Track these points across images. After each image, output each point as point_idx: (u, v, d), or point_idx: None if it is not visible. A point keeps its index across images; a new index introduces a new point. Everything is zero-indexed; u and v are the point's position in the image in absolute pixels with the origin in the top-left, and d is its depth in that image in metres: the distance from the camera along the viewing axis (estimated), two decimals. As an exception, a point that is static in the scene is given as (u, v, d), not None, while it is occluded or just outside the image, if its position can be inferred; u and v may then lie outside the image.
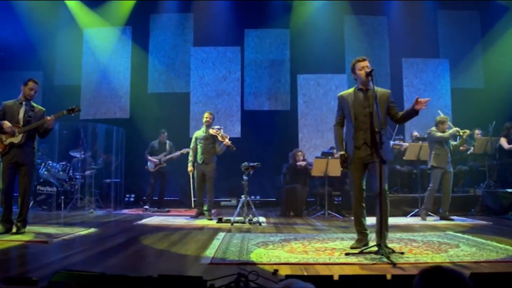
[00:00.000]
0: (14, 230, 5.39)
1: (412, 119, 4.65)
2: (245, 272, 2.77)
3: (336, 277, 2.74)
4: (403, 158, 8.41)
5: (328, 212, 7.85)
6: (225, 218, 7.14)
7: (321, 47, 10.49)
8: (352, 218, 7.62)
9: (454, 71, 10.68)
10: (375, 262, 3.91)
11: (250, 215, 6.99)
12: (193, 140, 7.80)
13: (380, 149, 4.30)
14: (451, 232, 5.85)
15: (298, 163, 8.43)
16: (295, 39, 10.85)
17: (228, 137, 7.50)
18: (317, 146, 10.33)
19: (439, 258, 4.09)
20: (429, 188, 7.52)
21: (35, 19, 10.32)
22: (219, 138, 7.47)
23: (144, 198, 9.62)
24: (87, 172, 9.12)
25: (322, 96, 10.64)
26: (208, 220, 7.34)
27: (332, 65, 10.64)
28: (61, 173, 9.01)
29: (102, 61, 10.94)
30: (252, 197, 7.22)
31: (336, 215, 8.01)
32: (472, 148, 8.86)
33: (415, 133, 9.29)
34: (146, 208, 8.92)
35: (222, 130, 7.64)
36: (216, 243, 4.91)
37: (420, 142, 8.15)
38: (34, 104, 5.64)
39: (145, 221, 7.25)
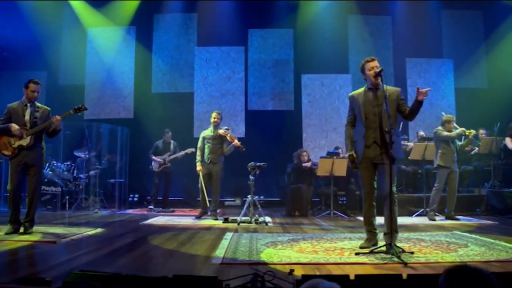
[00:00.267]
0: (21, 230, 5.39)
1: (418, 113, 4.58)
2: (260, 272, 2.77)
3: (352, 277, 2.73)
4: (408, 158, 8.41)
5: (333, 212, 7.84)
6: (231, 218, 7.13)
7: (325, 47, 10.49)
8: (358, 218, 7.76)
9: (457, 71, 10.69)
10: (386, 261, 3.91)
11: (256, 215, 6.98)
12: (200, 139, 7.74)
13: (390, 149, 4.31)
14: (458, 232, 5.84)
15: (303, 164, 8.41)
16: (299, 39, 10.85)
17: (237, 138, 7.51)
18: (321, 146, 10.34)
19: (449, 258, 4.09)
20: (434, 188, 7.51)
21: (39, 19, 10.30)
22: (228, 139, 7.46)
23: (149, 198, 9.61)
24: (92, 172, 9.12)
25: (326, 96, 10.64)
26: (213, 220, 7.32)
27: (336, 65, 10.65)
28: (65, 173, 9.00)
29: (106, 61, 10.95)
30: (256, 197, 7.19)
31: (342, 215, 7.99)
32: (477, 148, 8.86)
33: (421, 133, 9.29)
34: (150, 208, 8.91)
35: (230, 131, 7.64)
36: (224, 243, 4.90)
37: (426, 142, 8.14)
38: (39, 105, 5.61)
39: (151, 221, 7.25)
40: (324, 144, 10.38)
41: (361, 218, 7.50)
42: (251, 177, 7.07)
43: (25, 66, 10.46)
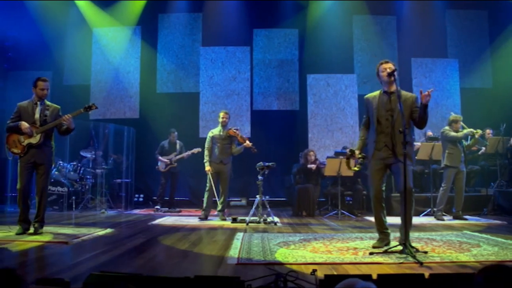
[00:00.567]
0: (31, 230, 5.37)
1: (427, 119, 4.56)
2: (283, 273, 2.76)
3: (374, 276, 2.73)
4: (415, 157, 8.38)
5: (341, 212, 7.83)
6: (239, 218, 7.12)
7: (330, 47, 10.51)
8: (365, 217, 7.75)
9: (463, 71, 10.69)
10: (401, 261, 3.90)
11: (265, 215, 6.97)
12: (208, 139, 7.59)
13: (405, 149, 4.31)
14: (468, 232, 5.84)
15: (309, 166, 8.40)
16: (304, 39, 10.85)
17: (248, 139, 7.49)
18: (327, 146, 10.34)
19: (464, 258, 4.08)
20: (442, 188, 7.50)
21: (44, 19, 10.32)
22: (239, 139, 7.43)
23: (155, 198, 9.60)
24: (98, 172, 9.10)
25: (331, 96, 10.64)
26: (221, 220, 7.31)
27: (341, 65, 10.66)
28: (72, 173, 8.99)
29: (111, 60, 10.94)
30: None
31: (349, 215, 7.98)
32: (484, 148, 8.85)
33: (429, 133, 9.28)
34: (157, 208, 8.90)
35: (239, 131, 7.61)
36: (237, 243, 4.89)
37: (434, 142, 8.14)
38: (49, 103, 5.60)
39: (159, 221, 7.24)
40: (329, 144, 10.38)
41: (369, 218, 7.63)
42: (259, 177, 7.06)
43: (30, 66, 10.46)
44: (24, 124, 5.28)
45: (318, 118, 10.61)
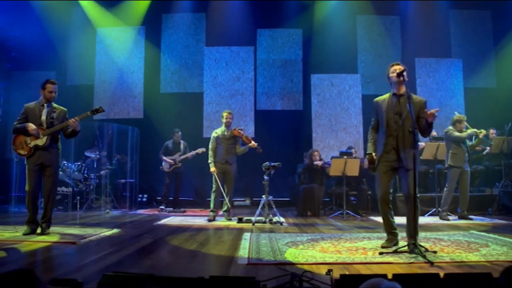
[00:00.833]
0: (38, 231, 5.37)
1: (431, 131, 4.71)
2: (298, 273, 2.75)
3: (390, 276, 2.73)
4: (420, 157, 8.38)
5: (346, 212, 7.82)
6: (245, 218, 7.11)
7: (334, 47, 10.50)
8: (370, 217, 7.75)
9: (466, 71, 10.69)
10: (411, 261, 3.91)
11: (271, 215, 6.96)
12: (212, 140, 7.51)
13: (414, 149, 4.33)
14: (475, 232, 5.84)
15: (315, 163, 8.40)
16: (308, 39, 10.85)
17: (253, 139, 7.48)
18: (331, 146, 10.34)
19: (474, 257, 4.08)
20: (446, 188, 7.50)
21: (48, 19, 10.32)
22: (244, 139, 7.41)
23: (159, 198, 9.59)
24: (102, 172, 9.09)
25: (336, 96, 10.63)
26: (227, 220, 7.30)
27: (345, 65, 10.66)
28: (76, 173, 8.98)
29: (115, 60, 10.94)
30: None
31: (354, 215, 7.98)
32: (488, 148, 8.84)
33: (434, 133, 9.25)
34: (161, 209, 8.89)
35: (244, 131, 7.60)
36: (245, 243, 4.89)
37: (438, 142, 8.13)
38: (56, 105, 5.60)
39: (164, 221, 7.24)
40: (333, 144, 10.38)
41: (374, 218, 7.63)
42: (265, 177, 7.05)
43: (34, 66, 10.47)
44: (31, 126, 5.27)
45: (322, 118, 10.60)
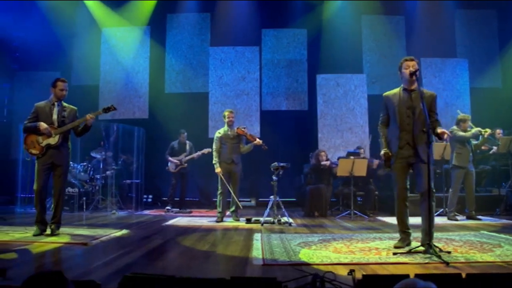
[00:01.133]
0: (48, 231, 5.34)
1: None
2: (320, 273, 2.73)
3: (412, 276, 2.72)
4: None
5: (353, 212, 7.80)
6: (254, 218, 7.09)
7: (339, 47, 10.50)
8: (377, 218, 7.73)
9: (472, 71, 10.68)
10: (426, 261, 3.89)
11: (279, 216, 6.94)
12: (216, 140, 7.44)
13: (428, 148, 4.32)
14: (486, 232, 5.81)
15: (322, 163, 8.38)
16: (313, 39, 10.84)
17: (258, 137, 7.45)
18: (337, 146, 10.33)
19: (489, 258, 4.06)
20: (451, 189, 7.48)
21: (53, 20, 10.31)
22: (248, 138, 7.38)
23: (164, 199, 9.57)
24: (108, 173, 9.07)
25: (341, 96, 10.62)
26: (235, 220, 7.28)
27: (350, 65, 10.66)
28: (82, 173, 8.96)
29: (120, 61, 10.93)
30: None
31: (362, 215, 7.95)
32: (495, 147, 8.82)
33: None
34: (168, 209, 8.87)
35: (247, 129, 7.57)
36: (257, 244, 4.87)
37: (445, 142, 8.10)
38: (66, 104, 5.58)
39: (172, 222, 7.21)
40: (339, 144, 10.36)
41: (381, 218, 7.61)
42: (274, 178, 7.03)
43: (38, 66, 10.46)
44: (43, 125, 5.25)
45: (328, 118, 10.59)
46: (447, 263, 3.77)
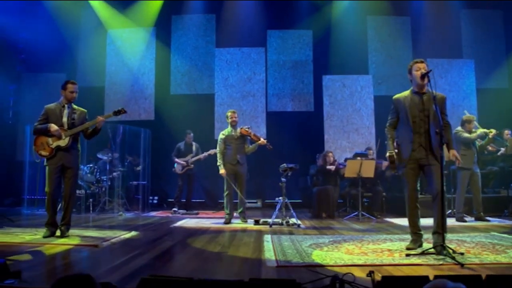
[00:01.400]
0: (58, 233, 5.33)
1: None
2: (340, 274, 2.72)
3: (431, 278, 2.71)
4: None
5: (361, 214, 7.78)
6: (262, 220, 7.07)
7: (344, 48, 10.50)
8: (385, 219, 7.70)
9: (478, 71, 10.66)
10: (441, 263, 3.87)
11: (287, 217, 6.92)
12: (220, 142, 7.39)
13: (441, 150, 4.31)
14: (496, 233, 5.79)
15: (328, 167, 8.34)
16: (318, 40, 10.83)
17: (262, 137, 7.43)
18: (343, 148, 10.31)
19: (503, 259, 4.04)
20: (457, 191, 7.45)
21: (58, 21, 10.32)
22: (252, 138, 7.34)
23: (171, 200, 9.56)
24: (114, 174, 9.06)
25: (348, 97, 10.60)
26: (243, 222, 7.25)
27: (356, 66, 10.65)
28: (88, 175, 8.95)
29: (126, 62, 10.93)
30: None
31: (369, 216, 7.93)
32: (503, 148, 8.79)
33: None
34: (174, 211, 8.85)
35: (251, 129, 7.54)
36: (268, 245, 4.85)
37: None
38: (76, 106, 5.58)
39: (180, 223, 7.19)
40: (346, 145, 10.35)
41: (389, 220, 7.59)
42: (282, 179, 7.01)
43: (44, 68, 10.47)
44: (53, 126, 5.24)
45: (334, 119, 10.57)
46: (462, 265, 3.75)
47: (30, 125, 8.42)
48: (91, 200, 8.58)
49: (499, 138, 8.42)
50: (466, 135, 7.31)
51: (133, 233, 5.86)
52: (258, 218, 7.27)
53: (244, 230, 6.34)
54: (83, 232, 5.81)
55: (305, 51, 10.92)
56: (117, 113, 5.53)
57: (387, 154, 4.73)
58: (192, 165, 9.14)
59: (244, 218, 7.34)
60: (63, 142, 5.29)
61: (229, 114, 7.53)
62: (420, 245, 4.56)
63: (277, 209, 7.01)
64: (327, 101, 10.63)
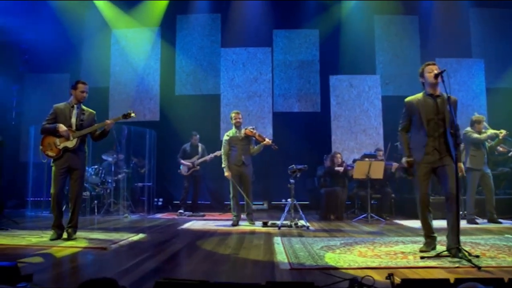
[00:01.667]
0: (64, 236, 5.25)
1: None
2: (358, 277, 2.63)
3: (452, 280, 2.64)
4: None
5: (371, 216, 7.67)
6: (270, 222, 6.98)
7: (351, 47, 10.41)
8: (394, 221, 7.60)
9: (488, 71, 10.54)
10: (456, 265, 3.78)
11: (296, 219, 6.83)
12: (225, 143, 7.29)
13: (456, 151, 4.23)
14: (510, 236, 5.68)
15: (336, 168, 8.24)
16: (325, 39, 10.74)
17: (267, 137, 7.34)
18: (351, 149, 10.21)
19: (521, 262, 3.94)
20: (467, 192, 7.34)
21: (62, 21, 10.26)
22: (257, 138, 7.25)
23: (177, 202, 9.48)
24: (119, 176, 8.98)
25: (355, 97, 10.50)
26: (250, 224, 7.16)
27: (363, 66, 10.55)
28: (93, 177, 8.87)
29: (131, 62, 10.87)
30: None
31: (379, 218, 7.82)
32: (515, 150, 8.68)
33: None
34: (180, 213, 8.77)
35: (256, 129, 7.45)
36: (279, 248, 4.76)
37: (462, 144, 7.98)
38: (85, 107, 5.51)
39: (187, 225, 7.10)
40: (353, 146, 10.25)
41: (399, 222, 7.48)
42: (291, 180, 6.92)
43: (47, 68, 10.43)
44: (62, 127, 5.16)
45: (341, 119, 10.47)
46: (478, 267, 3.66)
47: (33, 126, 8.38)
48: (96, 202, 8.50)
49: (510, 138, 8.29)
50: (476, 135, 7.21)
51: (141, 235, 5.77)
52: (266, 220, 7.17)
53: (252, 232, 6.25)
54: (89, 234, 5.72)
55: (311, 51, 10.82)
56: (126, 116, 5.49)
57: (404, 159, 4.67)
58: (198, 167, 9.05)
59: (251, 220, 7.24)
60: (71, 143, 5.21)
61: (233, 115, 7.45)
62: (434, 248, 4.51)
63: (285, 211, 6.90)
64: (334, 101, 10.53)
